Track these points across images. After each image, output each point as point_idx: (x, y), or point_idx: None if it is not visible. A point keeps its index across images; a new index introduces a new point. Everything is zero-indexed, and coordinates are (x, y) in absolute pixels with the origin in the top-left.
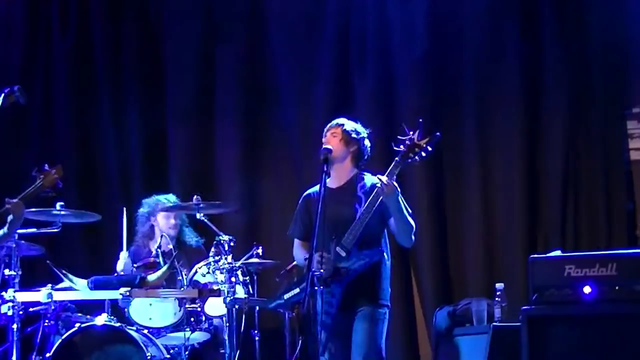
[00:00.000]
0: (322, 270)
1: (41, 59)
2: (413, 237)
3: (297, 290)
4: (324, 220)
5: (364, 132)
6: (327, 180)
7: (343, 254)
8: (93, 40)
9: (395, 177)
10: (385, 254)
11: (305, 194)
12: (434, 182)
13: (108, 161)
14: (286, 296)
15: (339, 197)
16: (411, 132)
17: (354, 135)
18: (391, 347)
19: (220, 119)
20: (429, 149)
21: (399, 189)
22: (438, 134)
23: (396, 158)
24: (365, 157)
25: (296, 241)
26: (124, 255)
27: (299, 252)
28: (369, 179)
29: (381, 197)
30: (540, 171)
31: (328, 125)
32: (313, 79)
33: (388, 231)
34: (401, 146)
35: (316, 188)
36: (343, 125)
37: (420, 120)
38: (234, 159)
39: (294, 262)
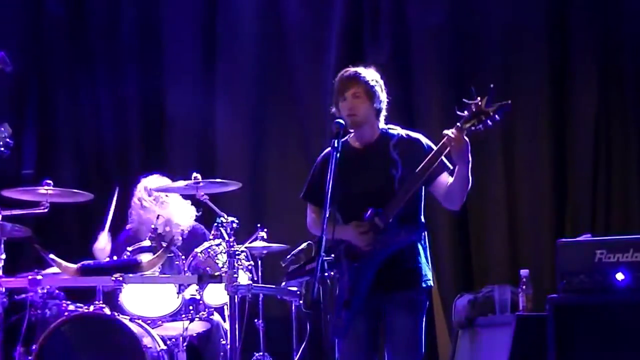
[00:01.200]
0: (367, 243)
1: (34, 26)
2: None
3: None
4: (352, 189)
5: (379, 77)
6: (350, 139)
7: (381, 225)
8: (88, 7)
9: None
10: (425, 232)
11: (323, 153)
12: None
13: (103, 137)
14: (308, 267)
15: (369, 160)
16: (478, 97)
17: (376, 87)
18: None
19: (222, 90)
20: (497, 117)
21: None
22: (509, 102)
23: (457, 123)
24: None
25: (309, 205)
26: (103, 238)
27: (315, 222)
28: (399, 132)
29: (438, 158)
30: (569, 149)
31: (342, 80)
32: (323, 49)
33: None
34: (465, 111)
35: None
36: (364, 78)
37: (492, 86)
38: (238, 133)
39: (301, 247)
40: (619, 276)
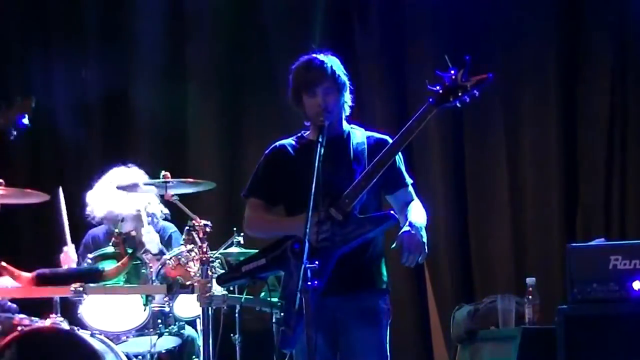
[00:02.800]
0: (320, 235)
1: None
2: None
3: (262, 261)
4: (310, 183)
5: (340, 63)
6: (308, 135)
7: (339, 217)
8: None
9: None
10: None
11: (275, 145)
12: (452, 156)
13: (60, 131)
14: (245, 268)
15: (331, 152)
16: (452, 71)
17: (343, 77)
18: (402, 355)
19: (194, 81)
20: (475, 92)
21: (424, 236)
22: (490, 75)
23: (430, 99)
24: None
25: (254, 202)
26: (70, 251)
27: (259, 218)
28: (363, 133)
29: (392, 158)
30: (580, 143)
31: (310, 74)
32: (307, 34)
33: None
34: (437, 86)
35: (290, 140)
36: (333, 71)
37: (468, 57)
38: (211, 129)
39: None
40: (636, 285)
